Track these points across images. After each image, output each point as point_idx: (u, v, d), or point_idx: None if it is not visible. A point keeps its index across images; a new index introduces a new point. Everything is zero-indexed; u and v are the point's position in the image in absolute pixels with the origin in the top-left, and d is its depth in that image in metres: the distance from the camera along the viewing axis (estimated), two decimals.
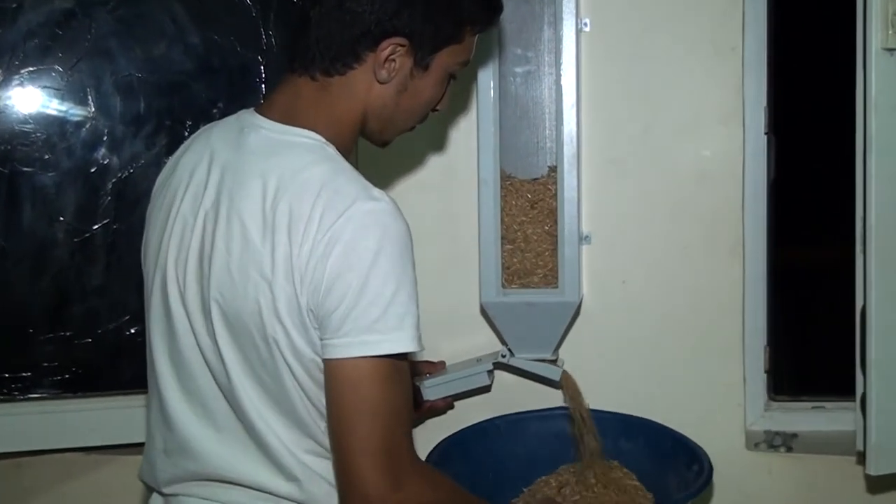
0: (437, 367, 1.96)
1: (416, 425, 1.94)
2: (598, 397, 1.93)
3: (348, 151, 1.33)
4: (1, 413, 2.04)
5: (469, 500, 1.36)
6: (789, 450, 2.03)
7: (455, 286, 1.99)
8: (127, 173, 2.04)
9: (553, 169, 1.87)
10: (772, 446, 2.03)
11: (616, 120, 1.96)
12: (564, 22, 1.83)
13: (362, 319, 1.18)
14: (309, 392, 1.26)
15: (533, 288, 1.88)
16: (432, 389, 1.91)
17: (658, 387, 2.01)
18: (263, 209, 1.22)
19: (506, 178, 1.87)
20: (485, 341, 2.01)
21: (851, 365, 1.85)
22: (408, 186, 1.99)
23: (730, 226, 1.97)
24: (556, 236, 1.86)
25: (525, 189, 1.88)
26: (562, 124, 1.84)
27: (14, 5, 1.98)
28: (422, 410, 1.91)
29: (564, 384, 1.92)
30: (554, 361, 1.93)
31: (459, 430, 1.91)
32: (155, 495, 1.39)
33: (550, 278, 1.87)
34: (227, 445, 1.30)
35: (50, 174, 2.02)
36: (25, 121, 2.01)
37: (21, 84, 2.00)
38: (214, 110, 2.04)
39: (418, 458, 1.27)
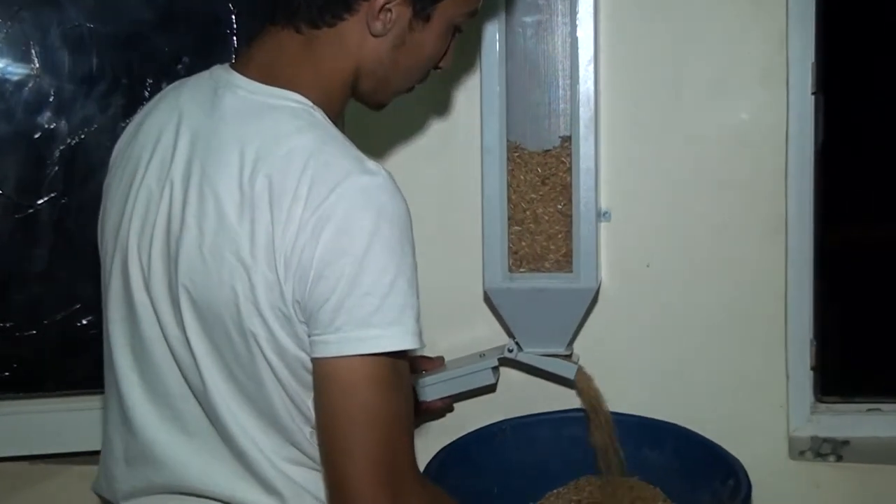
0: (435, 364, 1.98)
1: None
2: (617, 398, 1.95)
3: (337, 116, 1.34)
4: None
5: None
6: (840, 459, 2.05)
7: (455, 270, 2.01)
8: (77, 140, 2.06)
9: (567, 139, 1.88)
10: (819, 455, 2.05)
11: (640, 79, 1.98)
12: None
13: (357, 312, 1.19)
14: (292, 394, 1.27)
15: (544, 272, 1.89)
16: (430, 389, 1.92)
17: (687, 386, 2.03)
18: (241, 183, 1.22)
19: (513, 149, 1.88)
20: (489, 334, 2.03)
21: None
22: (401, 156, 2.00)
23: (771, 200, 1.99)
24: (571, 215, 1.87)
25: (535, 162, 1.89)
26: (577, 83, 1.85)
27: None
28: (418, 412, 1.93)
29: (580, 383, 1.94)
30: (568, 357, 1.94)
31: (460, 437, 1.93)
32: None
33: (563, 263, 1.89)
34: (199, 453, 1.32)
35: None
36: None
37: None
38: (179, 66, 2.05)
39: (420, 474, 1.29)
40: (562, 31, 1.88)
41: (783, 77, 1.96)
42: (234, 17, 2.06)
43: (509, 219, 1.88)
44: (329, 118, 1.29)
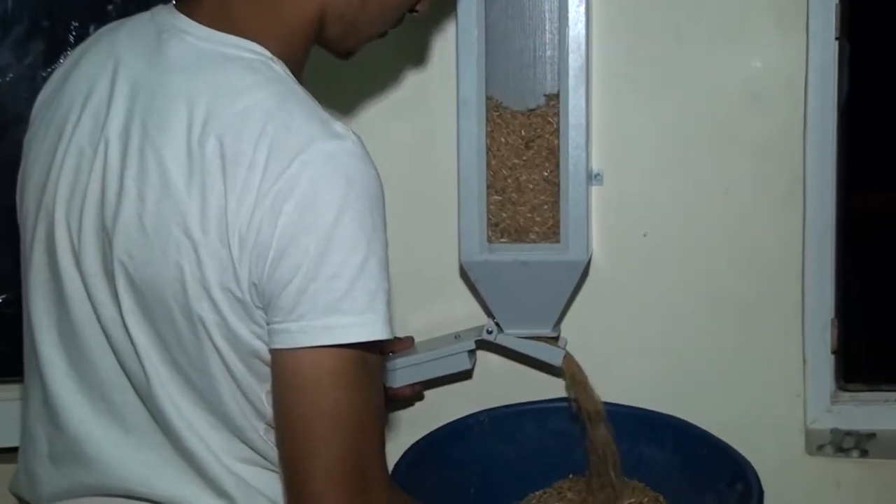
0: (404, 346, 2.00)
1: None
2: (610, 386, 1.97)
3: (300, 68, 1.35)
4: None
5: None
6: (864, 454, 2.08)
7: (428, 240, 2.04)
8: None
9: (554, 97, 1.89)
10: (841, 450, 2.08)
11: (638, 23, 1.99)
12: None
13: (323, 297, 1.19)
14: (244, 386, 1.28)
15: (527, 243, 1.91)
16: (398, 373, 1.94)
17: (689, 373, 2.06)
18: (189, 144, 1.22)
19: (493, 108, 1.89)
20: (465, 313, 2.05)
21: None
22: (368, 112, 2.02)
23: (787, 162, 2.01)
24: (558, 183, 1.88)
25: (518, 123, 1.89)
26: (566, 27, 1.86)
27: None
28: (384, 400, 1.95)
29: (567, 371, 1.96)
30: (555, 340, 1.97)
31: (433, 431, 1.95)
32: None
33: (550, 234, 1.91)
34: (138, 451, 1.32)
35: None
36: None
37: None
38: (109, 6, 2.05)
39: (391, 481, 1.30)
40: None
41: (802, 20, 1.98)
42: None
43: (488, 187, 1.90)
44: (290, 72, 1.29)
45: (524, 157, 1.90)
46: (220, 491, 1.31)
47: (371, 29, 1.42)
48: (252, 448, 1.32)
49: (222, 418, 1.30)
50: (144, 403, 1.31)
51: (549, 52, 1.89)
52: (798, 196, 2.02)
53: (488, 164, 1.90)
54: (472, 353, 1.98)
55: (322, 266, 1.19)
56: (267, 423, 1.30)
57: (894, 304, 2.23)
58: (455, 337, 2.00)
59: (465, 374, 2.04)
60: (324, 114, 1.25)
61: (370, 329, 1.21)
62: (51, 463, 1.37)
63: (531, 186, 1.90)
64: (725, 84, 2.00)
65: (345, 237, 1.19)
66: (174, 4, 1.34)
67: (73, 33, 2.03)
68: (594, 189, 1.99)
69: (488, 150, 1.89)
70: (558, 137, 1.87)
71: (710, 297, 2.05)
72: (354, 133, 1.24)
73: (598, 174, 2.00)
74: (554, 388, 2.04)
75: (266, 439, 1.31)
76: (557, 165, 1.88)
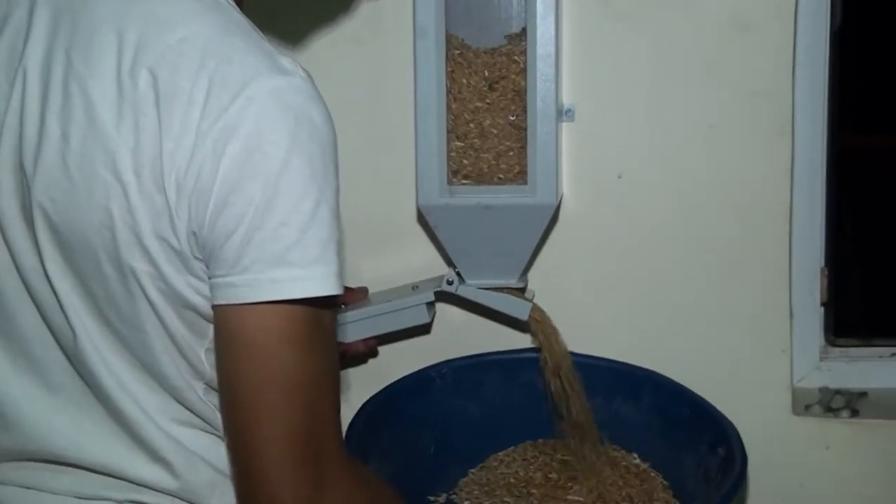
0: (357, 297, 1.98)
1: None
2: (582, 343, 1.95)
3: None
4: None
5: None
6: (854, 414, 2.05)
7: (383, 183, 2.01)
8: None
9: (521, 34, 1.85)
10: (830, 410, 2.05)
11: None
12: None
13: (270, 247, 1.16)
14: (180, 343, 1.25)
15: (491, 185, 1.88)
16: (351, 327, 1.92)
17: (668, 327, 2.04)
18: (119, 77, 1.18)
19: (454, 46, 1.86)
20: (424, 262, 2.03)
21: None
22: (317, 43, 1.98)
23: (776, 97, 1.97)
24: (526, 127, 1.85)
25: (481, 62, 1.87)
26: None
27: None
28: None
29: (535, 325, 1.94)
30: (521, 291, 1.95)
31: (390, 385, 1.93)
32: None
33: (516, 178, 1.88)
34: (64, 412, 1.29)
35: None
36: None
37: None
38: None
39: (346, 452, 1.26)
40: None
41: None
42: None
43: (449, 132, 1.87)
44: (233, 1, 1.25)
45: (488, 100, 1.87)
46: (155, 455, 1.28)
47: None
48: (191, 410, 1.29)
49: (157, 377, 1.26)
50: (70, 360, 1.28)
51: None
52: (787, 134, 1.99)
53: (449, 108, 1.87)
54: (430, 305, 1.97)
55: (269, 213, 1.15)
56: (206, 384, 1.28)
57: (889, 253, 2.21)
58: (413, 288, 1.98)
59: (424, 329, 2.03)
60: (269, 47, 1.21)
61: (321, 282, 1.17)
62: None
63: (495, 132, 1.87)
64: (710, 12, 1.97)
65: (294, 182, 1.16)
66: None
67: None
68: (564, 126, 1.96)
69: (449, 92, 1.86)
70: (525, 78, 1.84)
71: (690, 245, 2.03)
72: (303, 69, 1.20)
73: (570, 110, 1.97)
74: (520, 344, 2.03)
75: (206, 401, 1.29)
76: (525, 109, 1.85)
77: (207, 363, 1.26)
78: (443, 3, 1.84)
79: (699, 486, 1.78)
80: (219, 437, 1.29)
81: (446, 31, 1.85)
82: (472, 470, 1.92)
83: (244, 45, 1.19)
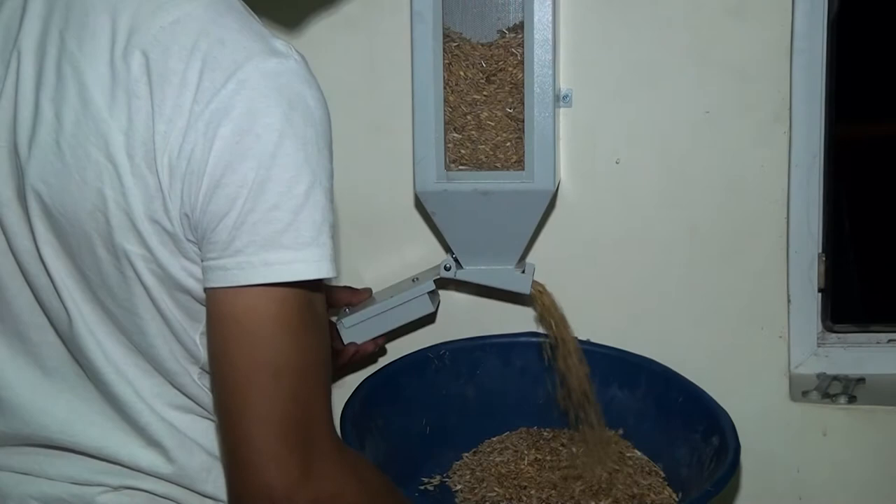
0: (362, 297, 1.98)
1: (334, 379, 1.96)
2: (579, 329, 1.95)
3: None
4: None
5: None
6: (852, 400, 2.05)
7: (380, 170, 2.01)
8: None
9: (518, 27, 1.84)
10: (827, 396, 2.05)
11: None
12: None
13: (262, 230, 1.15)
14: (175, 327, 1.25)
15: (489, 171, 1.88)
16: (357, 329, 1.92)
17: (665, 313, 2.04)
18: (112, 60, 1.17)
19: (452, 39, 1.86)
20: (422, 255, 2.04)
21: None
22: (314, 28, 1.97)
23: (772, 82, 1.97)
24: (523, 119, 1.85)
25: (478, 55, 1.86)
26: None
27: None
28: (343, 359, 1.93)
29: (537, 299, 1.94)
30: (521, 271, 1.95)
31: (388, 364, 1.94)
32: None
33: (513, 165, 1.88)
34: (60, 396, 1.29)
35: None
36: None
37: None
38: None
39: (338, 437, 1.26)
40: None
41: None
42: None
43: (447, 125, 1.87)
44: None
45: (485, 93, 1.87)
46: (150, 439, 1.28)
47: None
48: (185, 394, 1.29)
49: (152, 361, 1.27)
50: (66, 344, 1.28)
51: None
52: (784, 120, 1.99)
53: (446, 100, 1.86)
54: (434, 294, 1.97)
55: (262, 196, 1.15)
56: (201, 368, 1.28)
57: (886, 239, 2.21)
58: (413, 280, 1.98)
59: (429, 319, 2.03)
60: (263, 29, 1.20)
61: (315, 265, 1.17)
62: None
63: (492, 124, 1.87)
64: None
65: (287, 164, 1.15)
66: None
67: None
68: (562, 112, 1.97)
69: (446, 84, 1.86)
70: (523, 70, 1.84)
71: (687, 231, 2.02)
72: (298, 52, 1.20)
73: (567, 95, 1.98)
74: (524, 324, 2.04)
75: (201, 385, 1.29)
76: (522, 101, 1.85)
77: (202, 347, 1.26)
78: None
79: (693, 473, 1.78)
80: (214, 421, 1.30)
81: (444, 23, 1.84)
82: (466, 454, 1.92)
83: (238, 26, 1.18)
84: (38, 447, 1.30)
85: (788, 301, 2.03)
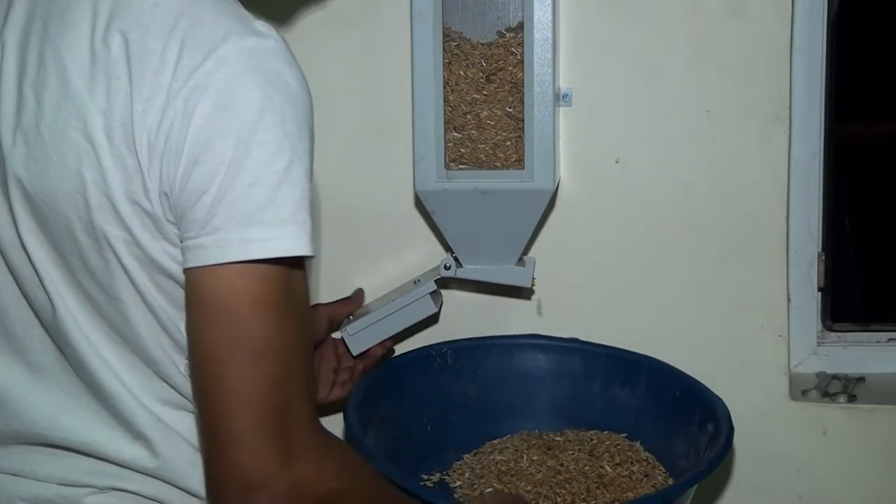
0: (356, 304, 1.98)
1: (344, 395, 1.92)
2: (580, 326, 1.96)
3: None
4: None
5: (393, 499, 1.35)
6: (852, 399, 2.04)
7: (380, 169, 2.01)
8: None
9: (518, 28, 1.85)
10: (827, 395, 2.05)
11: None
12: None
13: (241, 206, 1.14)
14: (160, 315, 1.24)
15: (489, 170, 1.88)
16: (361, 336, 1.92)
17: (665, 312, 2.04)
18: (92, 44, 1.18)
19: (452, 39, 1.86)
20: (422, 257, 2.03)
21: None
22: (312, 23, 1.97)
23: (772, 81, 1.97)
24: (523, 118, 1.85)
25: (478, 54, 1.86)
26: None
27: None
28: (357, 369, 1.92)
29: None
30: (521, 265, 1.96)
31: (392, 359, 1.95)
32: None
33: (513, 164, 1.88)
34: (46, 391, 1.29)
35: None
36: None
37: None
38: None
39: (322, 427, 1.22)
40: None
41: None
42: None
43: (446, 123, 1.87)
44: None
45: (485, 92, 1.87)
46: (136, 433, 1.28)
47: None
48: (172, 386, 1.28)
49: (137, 351, 1.26)
50: (51, 335, 1.28)
51: None
52: (784, 120, 1.98)
53: (446, 99, 1.86)
54: (436, 295, 1.97)
55: (240, 172, 1.14)
56: (187, 358, 1.26)
57: (886, 238, 2.21)
58: (414, 282, 1.98)
59: (432, 319, 2.03)
60: (244, 11, 1.21)
61: (294, 243, 1.15)
62: None
63: (492, 123, 1.87)
64: None
65: (266, 141, 1.15)
66: None
67: None
68: (562, 111, 1.97)
69: (446, 83, 1.86)
70: (523, 70, 1.84)
71: (687, 230, 2.02)
72: (278, 33, 1.20)
73: (567, 94, 1.97)
74: (527, 318, 2.04)
75: (187, 376, 1.27)
76: (522, 101, 1.85)
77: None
78: None
79: (690, 463, 1.77)
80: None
81: (444, 23, 1.84)
82: (467, 455, 1.91)
83: (218, 8, 1.18)
84: (31, 445, 1.30)
85: (788, 300, 2.03)
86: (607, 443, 1.89)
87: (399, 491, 1.38)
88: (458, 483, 1.84)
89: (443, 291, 2.02)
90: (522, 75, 1.85)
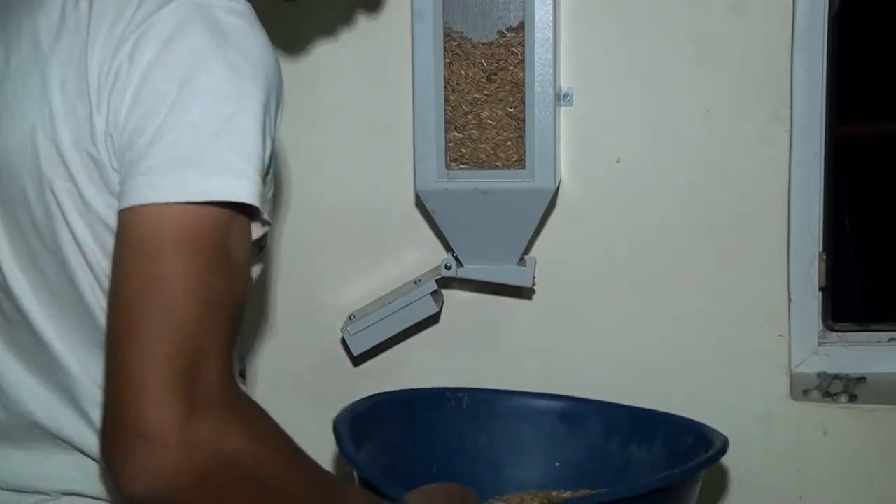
0: None
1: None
2: (579, 330, 1.97)
3: None
4: None
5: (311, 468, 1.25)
6: (853, 399, 2.05)
7: (381, 169, 2.02)
8: None
9: (519, 28, 1.85)
10: (828, 395, 2.05)
11: None
12: None
13: (178, 147, 1.10)
14: (101, 279, 1.19)
15: (490, 170, 1.88)
16: (362, 335, 1.93)
17: (665, 312, 2.04)
18: (63, 9, 1.19)
19: (453, 39, 1.86)
20: (423, 253, 2.04)
21: None
22: (312, 27, 1.93)
23: (772, 80, 1.97)
24: (524, 118, 1.86)
25: (479, 54, 1.87)
26: None
27: None
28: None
29: None
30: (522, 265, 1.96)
31: (407, 390, 1.90)
32: None
33: (514, 164, 1.88)
34: (12, 367, 1.26)
35: None
36: None
37: None
38: None
39: (237, 387, 1.16)
40: None
41: None
42: None
43: (447, 123, 1.88)
44: None
45: (486, 92, 1.87)
46: (89, 420, 1.24)
47: None
48: None
49: (87, 323, 1.22)
50: (2, 310, 1.26)
51: None
52: (784, 119, 1.99)
53: (447, 99, 1.87)
54: (437, 295, 1.97)
55: (182, 113, 1.10)
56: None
57: (887, 238, 2.19)
58: (415, 283, 1.98)
59: (433, 319, 2.02)
60: None
61: (232, 188, 1.09)
62: None
63: (493, 123, 1.88)
64: None
65: (213, 86, 1.11)
66: None
67: None
68: (562, 111, 1.97)
69: (447, 83, 1.87)
70: (524, 69, 1.84)
71: (687, 229, 2.02)
72: (246, 3, 1.17)
73: (567, 94, 1.98)
74: (527, 318, 2.04)
75: None
76: (523, 100, 1.85)
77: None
78: None
79: None
80: None
81: (445, 22, 1.85)
82: None
83: None
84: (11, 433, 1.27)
85: (789, 300, 2.03)
86: None
87: (317, 463, 1.25)
88: None
89: (443, 291, 2.02)
90: (523, 75, 1.85)
